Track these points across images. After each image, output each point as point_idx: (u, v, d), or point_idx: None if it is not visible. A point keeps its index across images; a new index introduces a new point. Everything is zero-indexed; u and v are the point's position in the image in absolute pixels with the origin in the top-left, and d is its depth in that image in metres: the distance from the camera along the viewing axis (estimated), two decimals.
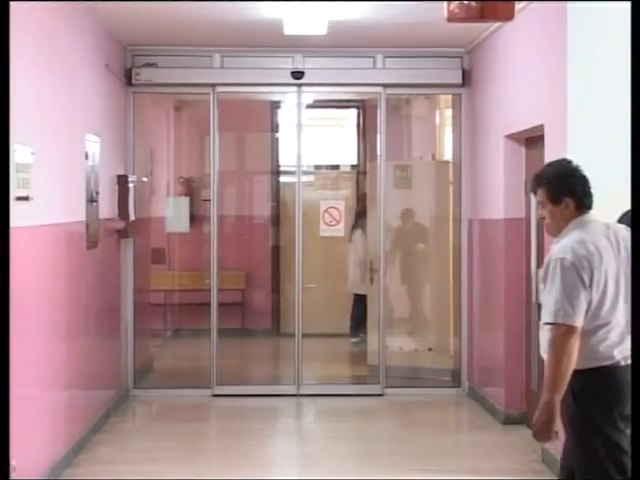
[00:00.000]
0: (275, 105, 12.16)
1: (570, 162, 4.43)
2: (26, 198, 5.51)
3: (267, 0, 7.25)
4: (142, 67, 9.00)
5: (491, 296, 8.41)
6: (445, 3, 5.25)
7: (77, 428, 7.00)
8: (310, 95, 9.92)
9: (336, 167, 13.11)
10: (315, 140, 12.09)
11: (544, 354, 4.20)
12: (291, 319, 9.53)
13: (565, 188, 4.25)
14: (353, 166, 12.86)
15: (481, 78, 8.81)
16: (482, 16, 5.25)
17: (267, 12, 7.61)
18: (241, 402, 8.89)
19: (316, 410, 8.88)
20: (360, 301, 10.65)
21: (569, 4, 6.19)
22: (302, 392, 9.18)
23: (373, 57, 9.13)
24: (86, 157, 7.32)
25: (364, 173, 11.66)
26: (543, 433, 4.10)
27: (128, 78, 9.00)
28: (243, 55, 9.11)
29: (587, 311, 4.07)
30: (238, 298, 12.11)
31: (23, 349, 5.37)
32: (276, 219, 12.46)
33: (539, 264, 6.77)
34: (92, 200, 7.44)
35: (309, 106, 10.18)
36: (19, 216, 5.22)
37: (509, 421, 7.83)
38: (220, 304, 9.32)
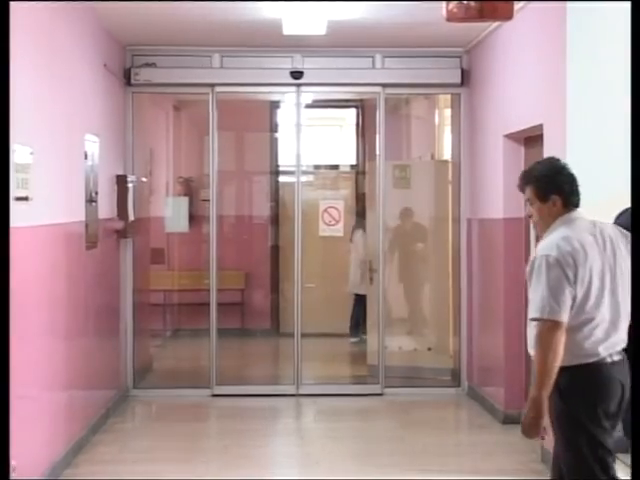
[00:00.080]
0: (274, 105, 12.16)
1: (558, 160, 4.49)
2: (25, 198, 5.51)
3: (266, 0, 7.26)
4: (141, 67, 9.00)
5: (490, 296, 8.41)
6: (444, 3, 5.26)
7: (77, 428, 7.00)
8: (309, 95, 9.91)
9: (335, 167, 13.11)
10: (314, 140, 12.09)
11: (531, 350, 4.23)
12: (290, 319, 9.53)
13: (552, 186, 4.29)
14: (352, 166, 12.87)
15: (480, 78, 8.81)
16: (481, 16, 5.26)
17: (266, 12, 7.61)
18: (241, 402, 8.90)
19: (316, 410, 8.88)
20: (361, 301, 10.66)
21: (568, 4, 6.19)
22: (302, 392, 9.18)
23: (372, 57, 9.13)
24: (85, 157, 7.32)
25: (363, 173, 11.66)
26: (531, 429, 4.13)
27: (127, 78, 9.00)
28: (242, 55, 9.11)
29: (572, 307, 4.10)
30: (237, 298, 12.12)
31: (23, 349, 5.37)
32: (275, 219, 12.46)
33: None
34: (91, 200, 7.44)
35: (308, 106, 10.17)
36: (18, 216, 5.22)
37: (509, 421, 7.82)
38: (219, 304, 9.32)
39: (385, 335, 9.35)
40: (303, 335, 9.33)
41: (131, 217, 8.65)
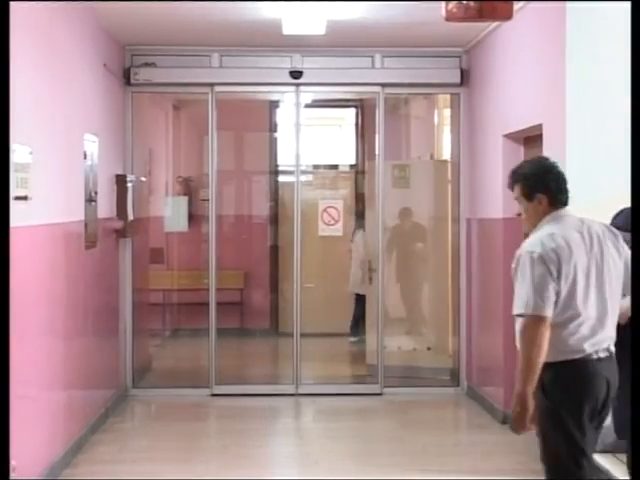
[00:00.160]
0: (274, 105, 12.15)
1: (547, 159, 4.54)
2: (25, 198, 5.51)
3: (266, 0, 7.25)
4: (141, 67, 9.00)
5: (490, 295, 8.41)
6: (443, 3, 5.26)
7: (76, 428, 6.99)
8: (309, 95, 9.91)
9: (335, 167, 13.11)
10: (313, 140, 12.10)
11: (519, 345, 4.25)
12: (290, 319, 9.53)
13: (539, 185, 4.33)
14: (352, 166, 12.86)
15: (479, 78, 8.81)
16: (480, 16, 5.26)
17: (266, 12, 7.61)
18: (240, 402, 8.90)
19: (315, 410, 8.88)
20: (361, 301, 10.66)
21: (568, 4, 6.19)
22: (301, 392, 9.18)
23: (372, 57, 9.13)
24: (85, 157, 7.32)
25: (362, 173, 11.66)
26: (517, 424, 4.21)
27: (127, 78, 8.99)
28: (242, 55, 9.11)
29: (556, 303, 4.13)
30: (237, 298, 12.12)
31: (22, 349, 5.36)
32: (275, 219, 12.45)
33: None
34: (91, 200, 7.44)
35: (307, 106, 10.17)
36: (18, 216, 5.21)
37: (508, 420, 7.80)
38: (219, 304, 9.32)
39: (384, 335, 9.35)
40: (302, 335, 9.33)
41: (130, 217, 8.65)
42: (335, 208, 9.93)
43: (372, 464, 6.87)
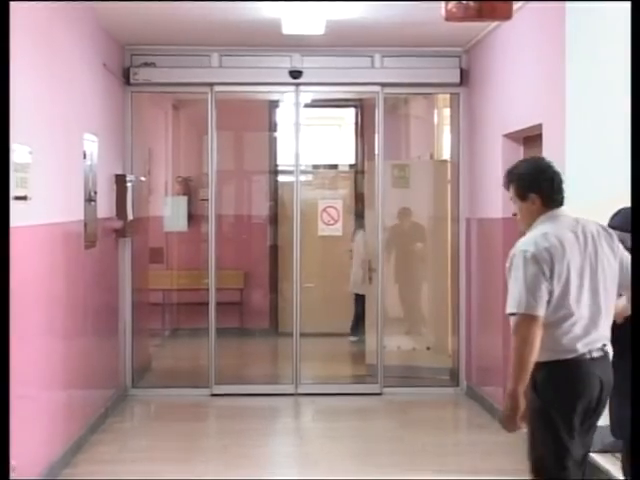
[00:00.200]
0: (273, 104, 12.15)
1: (542, 159, 4.56)
2: (24, 197, 5.51)
3: (265, 0, 7.25)
4: (140, 67, 9.00)
5: (489, 295, 8.41)
6: (443, 3, 5.26)
7: (75, 428, 6.99)
8: (308, 94, 9.90)
9: (334, 166, 13.11)
10: (313, 139, 12.09)
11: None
12: (289, 318, 9.53)
13: (533, 185, 4.32)
14: (351, 165, 12.86)
15: (479, 77, 8.81)
16: (480, 15, 5.26)
17: (265, 12, 7.61)
18: (239, 401, 8.90)
19: (314, 409, 8.88)
20: (361, 301, 10.65)
21: (567, 4, 6.19)
22: (300, 391, 9.18)
23: (371, 56, 9.13)
24: (84, 156, 7.32)
25: (362, 172, 11.65)
26: (509, 422, 4.18)
27: (126, 77, 8.99)
28: (241, 54, 9.11)
29: (549, 302, 4.13)
30: (236, 297, 12.12)
31: (21, 349, 5.36)
32: (274, 218, 12.45)
33: None
34: (90, 199, 7.44)
35: (307, 105, 10.16)
36: (17, 215, 5.21)
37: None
38: (218, 303, 9.32)
39: (384, 334, 9.35)
40: (302, 335, 9.33)
41: (130, 216, 8.64)
42: (335, 208, 9.93)
43: (372, 464, 6.87)
